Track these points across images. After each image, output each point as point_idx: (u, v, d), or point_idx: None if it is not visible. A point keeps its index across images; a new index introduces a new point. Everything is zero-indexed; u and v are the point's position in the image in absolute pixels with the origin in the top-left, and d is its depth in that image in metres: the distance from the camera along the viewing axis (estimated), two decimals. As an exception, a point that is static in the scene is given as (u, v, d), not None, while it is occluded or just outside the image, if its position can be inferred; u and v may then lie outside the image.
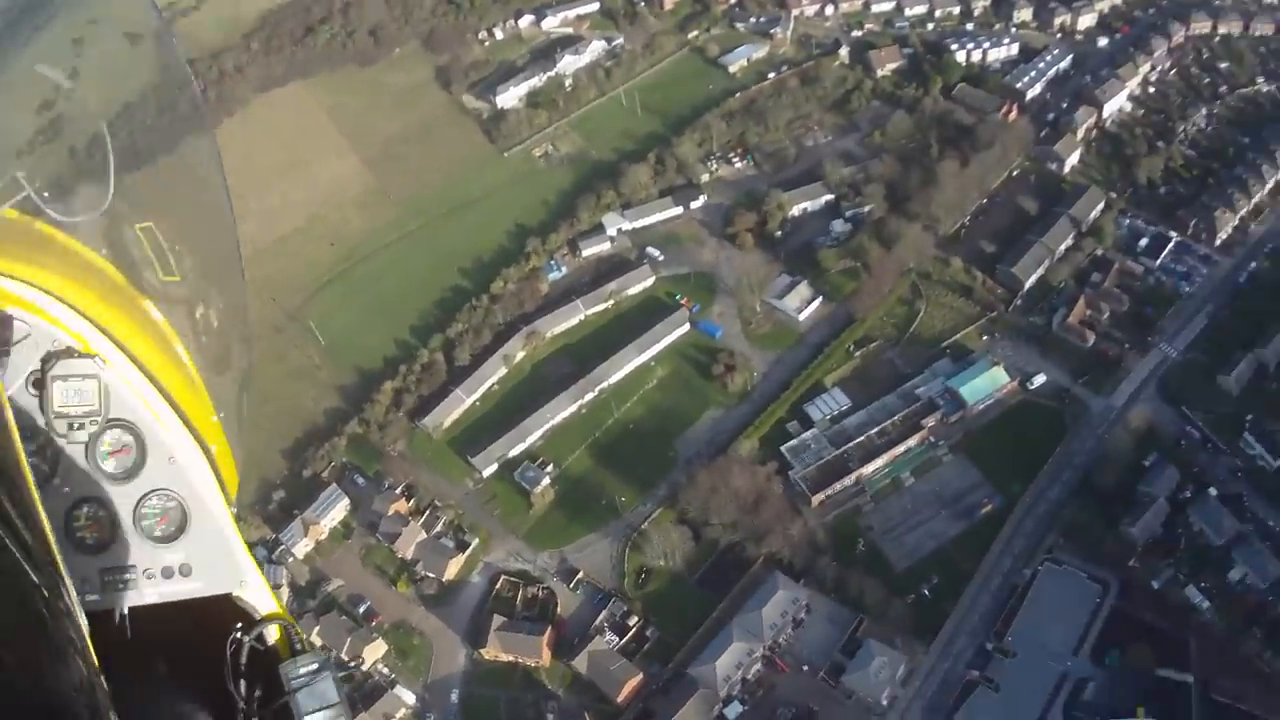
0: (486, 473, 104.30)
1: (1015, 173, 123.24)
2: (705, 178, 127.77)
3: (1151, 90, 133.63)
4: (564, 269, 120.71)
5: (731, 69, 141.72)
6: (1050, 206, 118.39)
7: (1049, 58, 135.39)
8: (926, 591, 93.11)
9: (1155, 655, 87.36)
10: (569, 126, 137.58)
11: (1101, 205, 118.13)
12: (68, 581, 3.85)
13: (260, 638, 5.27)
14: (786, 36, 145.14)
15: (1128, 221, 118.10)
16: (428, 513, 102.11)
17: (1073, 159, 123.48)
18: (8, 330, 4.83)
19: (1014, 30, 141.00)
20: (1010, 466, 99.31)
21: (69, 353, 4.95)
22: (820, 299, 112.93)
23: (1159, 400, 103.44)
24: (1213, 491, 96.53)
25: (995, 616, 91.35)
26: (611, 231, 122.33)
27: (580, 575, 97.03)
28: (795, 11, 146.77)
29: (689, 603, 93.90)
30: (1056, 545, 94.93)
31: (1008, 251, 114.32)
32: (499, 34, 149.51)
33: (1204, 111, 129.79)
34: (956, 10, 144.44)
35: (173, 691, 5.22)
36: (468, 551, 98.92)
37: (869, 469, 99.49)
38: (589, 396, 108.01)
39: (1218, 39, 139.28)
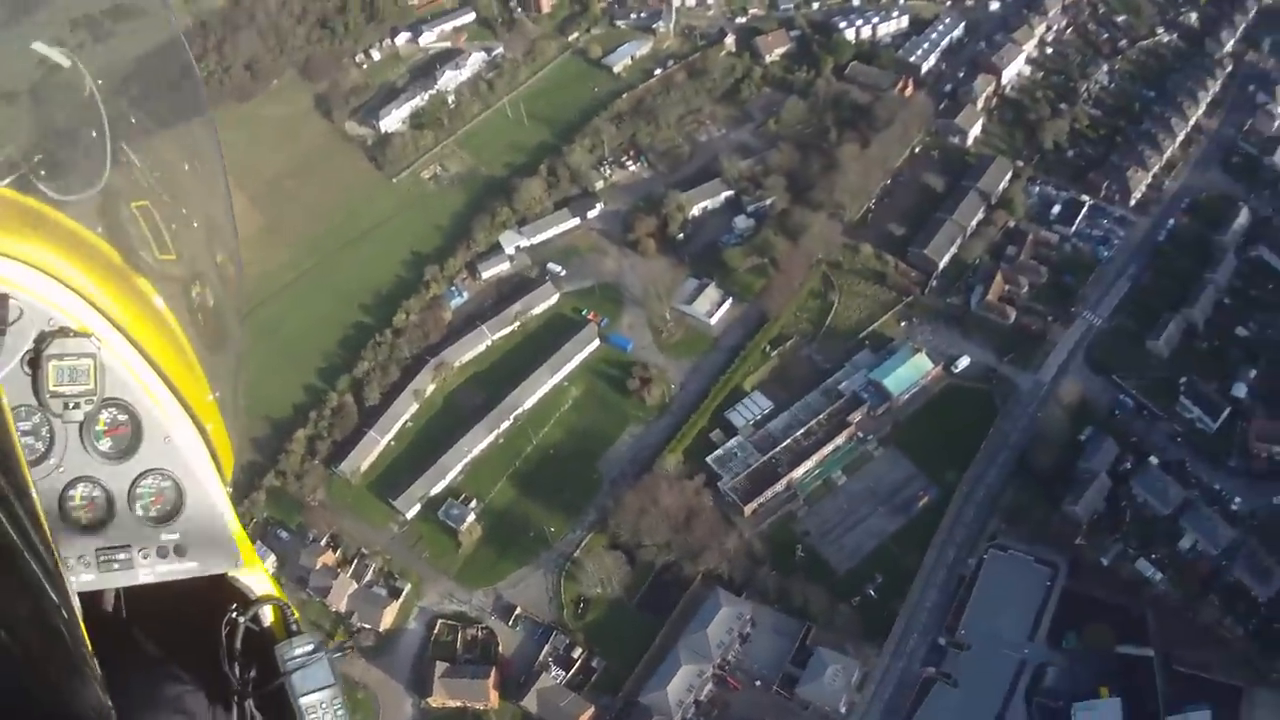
0: (410, 514, 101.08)
1: (917, 150, 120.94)
2: (600, 185, 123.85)
3: (1049, 51, 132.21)
4: (465, 294, 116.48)
5: (616, 69, 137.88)
6: (957, 182, 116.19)
7: (941, 27, 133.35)
8: (872, 592, 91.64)
9: (1113, 633, 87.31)
10: (456, 145, 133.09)
11: (1009, 175, 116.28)
12: (61, 563, 3.93)
13: (256, 618, 5.28)
14: (669, 30, 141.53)
15: (1038, 189, 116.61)
16: (356, 562, 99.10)
17: (975, 130, 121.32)
18: (2, 309, 4.79)
19: (902, 2, 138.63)
20: (943, 455, 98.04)
21: (64, 332, 4.92)
22: (730, 300, 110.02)
23: (1088, 371, 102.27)
24: (1154, 460, 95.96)
25: (945, 610, 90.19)
26: (510, 250, 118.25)
27: (518, 611, 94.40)
28: (676, 3, 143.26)
29: (631, 628, 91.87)
30: (999, 531, 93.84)
31: (918, 232, 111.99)
32: (376, 55, 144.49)
33: (1105, 68, 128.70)
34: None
35: (167, 671, 5.14)
36: (401, 598, 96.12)
37: (799, 472, 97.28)
38: (505, 425, 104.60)
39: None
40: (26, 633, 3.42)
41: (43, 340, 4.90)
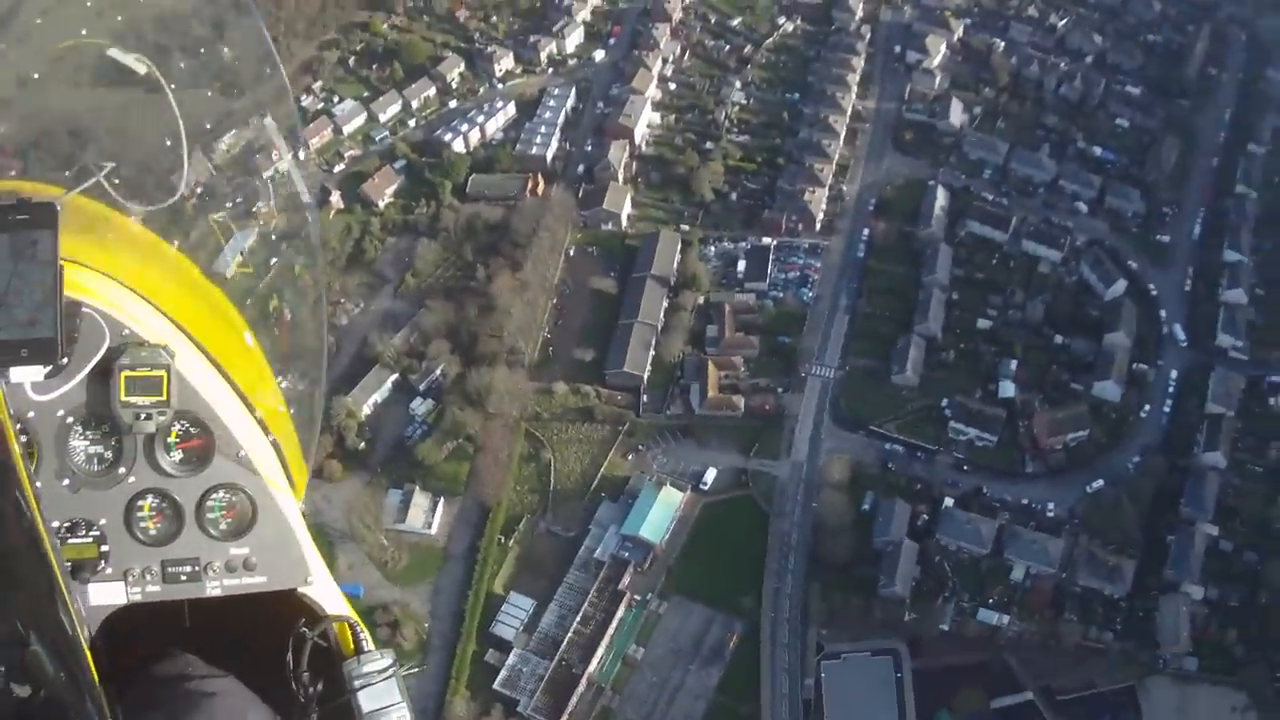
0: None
1: (573, 253, 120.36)
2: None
3: (674, 87, 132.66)
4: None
5: (230, 274, 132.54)
6: (627, 275, 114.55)
7: (552, 102, 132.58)
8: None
9: (983, 692, 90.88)
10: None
11: (679, 247, 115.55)
12: (62, 579, 4.47)
13: (325, 635, 5.73)
14: (273, 208, 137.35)
15: (714, 250, 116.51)
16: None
17: (626, 208, 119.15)
18: (77, 318, 5.30)
19: (502, 87, 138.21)
20: (731, 583, 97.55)
21: (138, 342, 5.42)
22: (442, 500, 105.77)
23: (842, 432, 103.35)
24: (949, 502, 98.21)
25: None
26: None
27: None
28: (268, 173, 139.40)
29: None
30: (823, 639, 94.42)
31: (607, 350, 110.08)
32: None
33: (738, 85, 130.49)
34: (432, 92, 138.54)
35: (232, 683, 5.50)
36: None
37: (594, 664, 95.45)
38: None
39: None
40: (25, 651, 4.05)
41: (116, 350, 5.40)
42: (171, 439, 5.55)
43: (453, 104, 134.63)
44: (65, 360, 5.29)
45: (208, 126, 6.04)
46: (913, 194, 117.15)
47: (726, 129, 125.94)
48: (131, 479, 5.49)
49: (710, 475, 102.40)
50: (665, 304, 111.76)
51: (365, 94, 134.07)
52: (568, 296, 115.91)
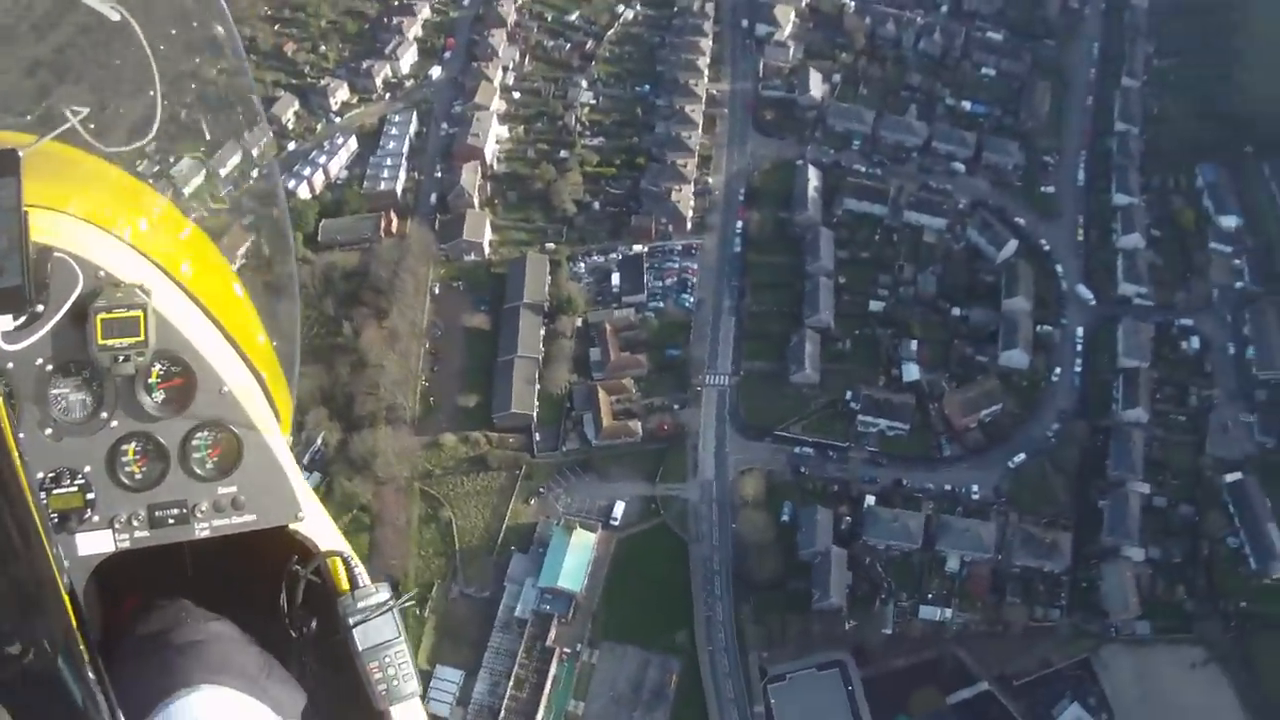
0: None
1: (439, 291, 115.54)
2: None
3: (518, 96, 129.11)
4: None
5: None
6: (499, 305, 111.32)
7: (394, 130, 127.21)
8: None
9: (938, 690, 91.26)
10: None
11: (547, 269, 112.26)
12: (45, 532, 4.41)
13: (318, 571, 5.71)
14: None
15: (584, 267, 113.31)
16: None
17: (487, 234, 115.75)
18: (48, 264, 5.21)
19: (340, 120, 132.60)
20: (660, 620, 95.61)
21: (113, 284, 5.30)
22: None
23: (746, 441, 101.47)
24: (870, 500, 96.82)
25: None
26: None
27: None
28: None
29: None
30: (765, 662, 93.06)
31: (490, 390, 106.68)
32: None
33: (584, 85, 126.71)
34: (269, 136, 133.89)
35: (226, 625, 5.53)
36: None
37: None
38: None
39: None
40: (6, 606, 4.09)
41: (92, 292, 5.24)
42: (152, 380, 5.40)
43: (291, 146, 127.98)
44: (40, 308, 5.16)
45: (180, 68, 5.86)
46: (782, 177, 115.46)
47: (579, 133, 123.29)
48: (114, 424, 5.36)
49: (619, 509, 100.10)
50: (543, 332, 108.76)
51: (202, 149, 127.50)
52: (440, 339, 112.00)
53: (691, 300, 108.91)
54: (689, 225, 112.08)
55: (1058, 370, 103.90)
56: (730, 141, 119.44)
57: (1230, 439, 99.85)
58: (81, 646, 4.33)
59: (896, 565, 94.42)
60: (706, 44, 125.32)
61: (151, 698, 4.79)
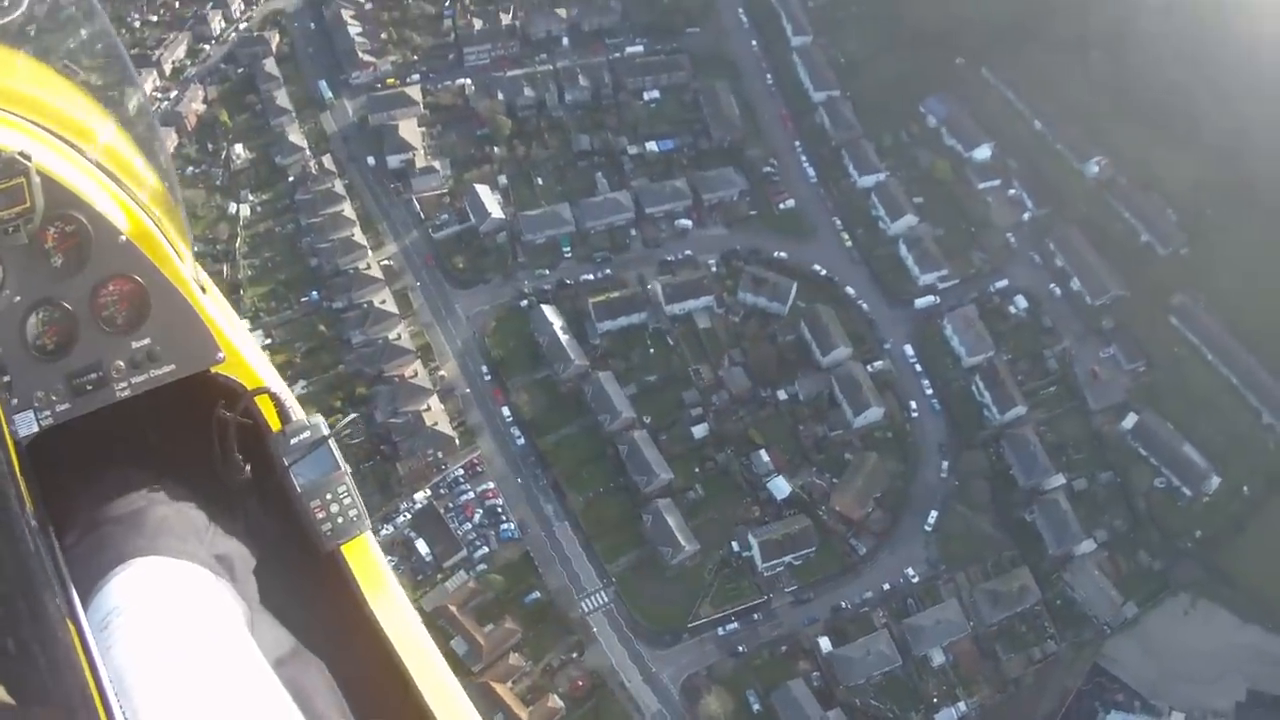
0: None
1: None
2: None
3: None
4: None
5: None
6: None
7: None
8: None
9: None
10: None
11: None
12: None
13: (248, 412, 5.71)
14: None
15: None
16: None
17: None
18: None
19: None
20: None
21: None
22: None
23: (666, 651, 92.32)
24: (826, 644, 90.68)
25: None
26: None
27: None
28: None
29: None
30: None
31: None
32: None
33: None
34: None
35: (162, 484, 5.47)
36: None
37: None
38: None
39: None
40: None
41: None
42: (48, 244, 5.41)
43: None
44: None
45: None
46: (516, 328, 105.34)
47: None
48: (17, 298, 5.37)
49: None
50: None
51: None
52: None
53: (513, 527, 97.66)
54: (457, 441, 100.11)
55: (913, 405, 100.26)
56: (435, 315, 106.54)
57: (1105, 385, 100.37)
58: (31, 525, 4.29)
59: (888, 689, 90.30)
60: (349, 208, 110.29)
61: (92, 575, 4.68)
